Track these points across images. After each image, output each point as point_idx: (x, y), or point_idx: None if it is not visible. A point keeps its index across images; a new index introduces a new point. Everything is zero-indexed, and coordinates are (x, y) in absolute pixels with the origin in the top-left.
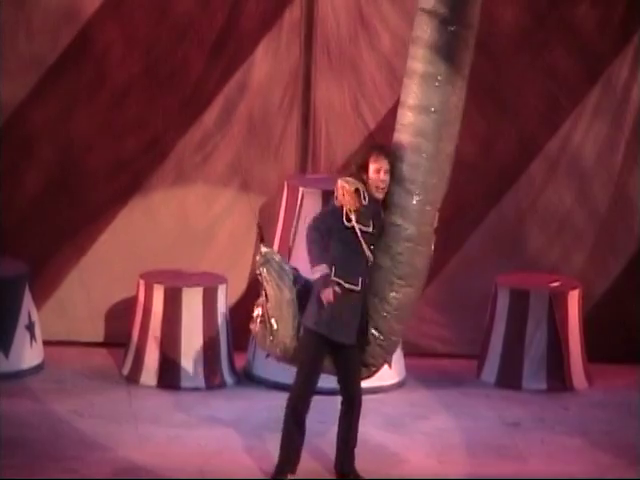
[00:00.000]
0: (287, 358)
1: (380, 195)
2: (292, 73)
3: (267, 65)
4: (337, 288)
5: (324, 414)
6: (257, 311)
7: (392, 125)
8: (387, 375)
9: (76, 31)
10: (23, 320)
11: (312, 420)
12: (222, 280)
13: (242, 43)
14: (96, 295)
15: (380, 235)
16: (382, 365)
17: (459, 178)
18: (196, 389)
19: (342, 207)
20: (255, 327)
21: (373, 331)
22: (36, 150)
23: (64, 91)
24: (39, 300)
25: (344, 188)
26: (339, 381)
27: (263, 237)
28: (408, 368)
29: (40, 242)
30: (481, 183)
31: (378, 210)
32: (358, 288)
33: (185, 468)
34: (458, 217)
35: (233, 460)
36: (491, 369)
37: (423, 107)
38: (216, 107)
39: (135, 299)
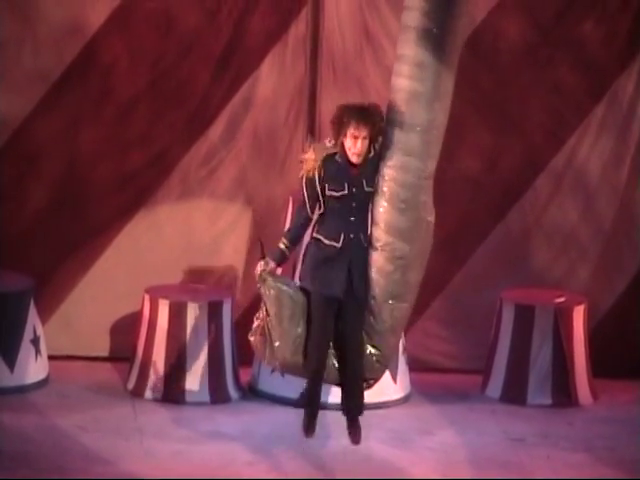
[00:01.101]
0: (288, 371)
1: (355, 159)
2: (297, 88)
3: (272, 80)
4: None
5: (329, 429)
6: (256, 323)
7: None
8: (392, 390)
9: (81, 46)
10: (28, 334)
11: (316, 435)
12: (227, 295)
13: (247, 58)
14: (101, 309)
15: (367, 195)
16: (379, 377)
17: (464, 193)
18: (201, 404)
19: (312, 175)
20: (254, 339)
21: (371, 349)
22: (41, 164)
23: (69, 106)
24: (44, 314)
25: (305, 159)
26: (338, 337)
27: (264, 254)
28: (413, 383)
29: (45, 256)
30: (486, 198)
31: (360, 172)
32: (338, 245)
33: None
34: (463, 232)
35: (238, 475)
36: (496, 384)
37: (410, 125)
38: (221, 122)
39: (140, 313)
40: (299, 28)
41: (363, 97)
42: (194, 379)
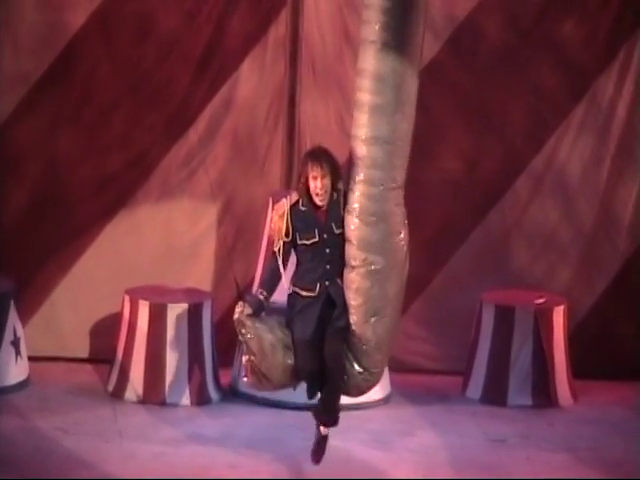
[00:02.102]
0: (285, 387)
1: (320, 202)
2: (277, 90)
3: (252, 82)
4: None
5: (309, 431)
6: (246, 364)
7: None
8: (372, 391)
9: (61, 48)
10: (8, 336)
11: (295, 437)
12: (207, 296)
13: (227, 60)
14: (81, 311)
15: (338, 237)
16: (368, 391)
17: (444, 195)
18: (181, 406)
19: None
20: (249, 380)
21: (357, 367)
22: (21, 167)
23: (49, 108)
24: (24, 316)
25: (272, 219)
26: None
27: (240, 293)
28: (393, 384)
29: (25, 258)
30: (466, 200)
31: (328, 216)
32: (315, 294)
33: None
34: (443, 234)
35: (219, 477)
36: (476, 385)
37: (374, 138)
38: (201, 123)
39: (120, 315)
40: (279, 30)
41: (343, 99)
42: (174, 381)
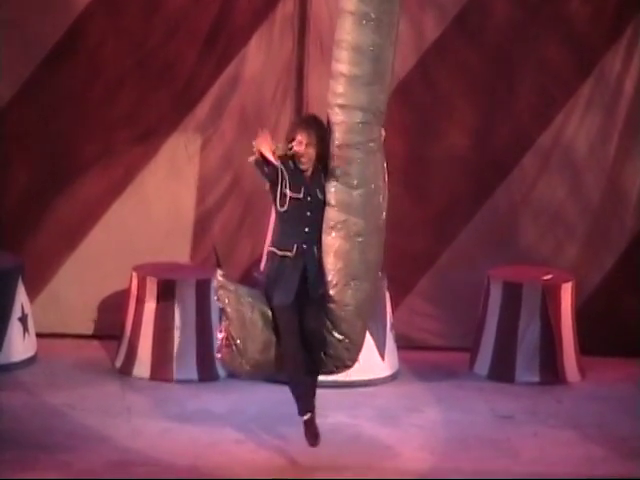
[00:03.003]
0: (260, 372)
1: (302, 166)
2: (285, 66)
3: (260, 58)
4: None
5: (317, 407)
6: (220, 336)
7: (386, 118)
8: (380, 368)
9: (68, 25)
10: (16, 313)
11: None
12: (215, 272)
13: (235, 36)
14: (89, 288)
15: (320, 204)
16: (352, 364)
17: (452, 172)
18: (189, 382)
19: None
20: (222, 353)
21: (337, 335)
22: (28, 144)
23: (56, 85)
24: (32, 292)
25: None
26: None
27: (219, 262)
28: (401, 361)
29: (33, 235)
30: (474, 177)
31: (313, 181)
32: (292, 254)
33: (178, 461)
34: (451, 210)
35: (226, 452)
36: (484, 362)
37: (352, 106)
38: (209, 100)
39: (128, 292)
40: (286, 6)
41: None
42: (182, 357)
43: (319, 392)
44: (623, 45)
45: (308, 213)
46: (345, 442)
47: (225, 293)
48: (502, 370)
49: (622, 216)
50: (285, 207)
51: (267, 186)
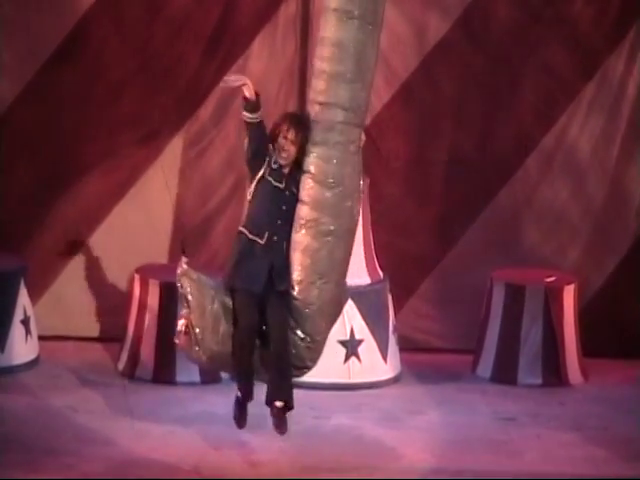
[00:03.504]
0: (215, 364)
1: (281, 161)
2: (288, 68)
3: (263, 61)
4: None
5: (319, 409)
6: (180, 323)
7: (388, 120)
8: (382, 370)
9: (72, 26)
10: (18, 315)
11: (305, 415)
12: (217, 275)
13: (237, 39)
14: (91, 290)
15: (295, 202)
16: (313, 365)
17: (455, 173)
18: (191, 384)
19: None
20: (181, 340)
21: (299, 333)
22: (31, 145)
23: (60, 87)
24: (34, 295)
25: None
26: (263, 332)
27: (185, 250)
28: (403, 363)
29: (36, 237)
30: (477, 178)
31: (290, 177)
32: (262, 241)
33: (181, 463)
34: (454, 212)
35: (229, 454)
36: (486, 364)
37: (333, 104)
38: (211, 102)
39: (130, 294)
40: (289, 8)
41: None
42: (185, 359)
43: (321, 394)
44: (626, 48)
45: (284, 207)
46: (348, 444)
47: (188, 281)
48: (505, 372)
49: (625, 218)
50: (260, 193)
51: (246, 146)
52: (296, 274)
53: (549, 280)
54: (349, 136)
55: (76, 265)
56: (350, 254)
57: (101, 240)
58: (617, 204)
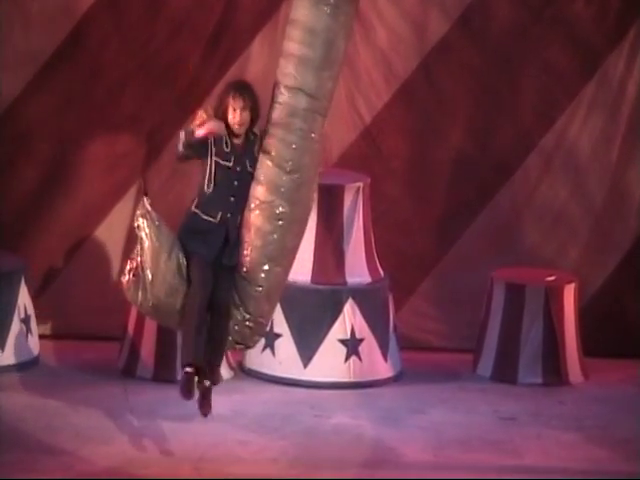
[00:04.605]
0: (159, 314)
1: (237, 128)
2: None
3: (263, 59)
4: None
5: (319, 408)
6: (130, 264)
7: (388, 120)
8: (382, 369)
9: (72, 26)
10: (19, 314)
11: (305, 414)
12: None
13: (238, 37)
14: (92, 288)
15: (248, 176)
16: (253, 345)
17: (455, 173)
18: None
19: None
20: (127, 280)
21: (243, 312)
22: (32, 145)
23: (60, 86)
24: (35, 293)
25: (201, 115)
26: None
27: (147, 191)
28: (404, 362)
29: (36, 236)
30: (477, 178)
31: (244, 151)
32: (216, 221)
33: (181, 462)
34: (454, 212)
35: (229, 453)
36: (487, 363)
37: (299, 89)
38: (212, 101)
39: None
40: (290, 7)
41: (353, 77)
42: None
43: (322, 393)
44: (626, 47)
45: (235, 182)
46: (348, 443)
47: (148, 223)
48: (505, 371)
49: (625, 218)
50: (209, 174)
51: (180, 153)
52: (246, 252)
53: (549, 280)
54: (311, 124)
55: (76, 264)
56: (299, 242)
57: (101, 239)
58: (617, 203)
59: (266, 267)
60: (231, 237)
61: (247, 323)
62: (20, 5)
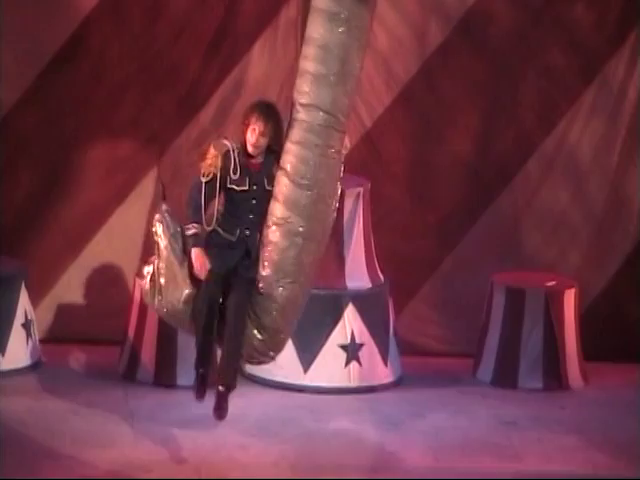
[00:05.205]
0: (174, 320)
1: (251, 150)
2: (288, 72)
3: (263, 64)
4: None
5: (320, 413)
6: (147, 268)
7: (389, 124)
8: (383, 373)
9: (73, 29)
10: (19, 318)
11: (305, 418)
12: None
13: (238, 42)
14: (92, 293)
15: (267, 193)
16: (269, 360)
17: (455, 177)
18: (192, 387)
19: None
20: (144, 284)
21: (258, 326)
22: (32, 148)
23: (60, 89)
24: (35, 298)
25: (210, 153)
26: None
27: (165, 195)
28: (404, 367)
29: (37, 240)
30: (477, 182)
31: (261, 169)
32: (234, 238)
33: (181, 466)
34: (454, 216)
35: (230, 457)
36: (487, 368)
37: (314, 106)
38: (212, 105)
39: (131, 297)
40: (290, 11)
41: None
42: (185, 363)
43: (322, 398)
44: (626, 51)
45: (253, 201)
46: (348, 447)
47: (163, 229)
48: (505, 376)
49: (625, 222)
50: (226, 201)
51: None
52: (263, 269)
53: (549, 284)
54: (328, 140)
55: (77, 269)
56: (318, 260)
57: (102, 243)
58: (618, 207)
59: (282, 283)
60: (252, 253)
61: (262, 337)
62: (21, 8)
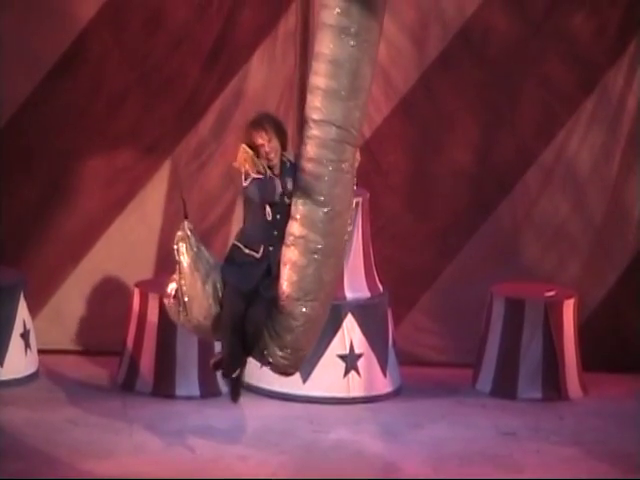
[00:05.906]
0: (201, 333)
1: (274, 159)
2: (287, 82)
3: (262, 74)
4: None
5: (318, 423)
6: (171, 286)
7: (388, 134)
8: (382, 384)
9: (72, 39)
10: (18, 328)
11: (304, 429)
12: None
13: (237, 52)
14: (91, 303)
15: (287, 207)
16: (290, 375)
17: (454, 187)
18: (191, 397)
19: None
20: (169, 302)
21: (279, 345)
22: (32, 159)
23: (59, 99)
24: (34, 308)
25: (246, 152)
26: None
27: (187, 214)
28: (403, 377)
29: (36, 250)
30: (477, 192)
31: (282, 179)
32: (258, 255)
33: (180, 477)
34: (453, 226)
35: (228, 468)
36: (486, 378)
37: (327, 122)
38: (211, 116)
39: (130, 308)
40: (289, 22)
41: None
42: (184, 373)
43: (321, 408)
44: (626, 62)
45: (278, 216)
46: (347, 458)
47: (186, 247)
48: (504, 386)
49: (625, 232)
50: (254, 212)
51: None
52: (283, 288)
53: (549, 294)
54: (341, 155)
55: (76, 279)
56: (337, 276)
57: (101, 253)
58: (617, 218)
59: (303, 301)
60: (273, 270)
61: (283, 354)
62: (20, 19)
